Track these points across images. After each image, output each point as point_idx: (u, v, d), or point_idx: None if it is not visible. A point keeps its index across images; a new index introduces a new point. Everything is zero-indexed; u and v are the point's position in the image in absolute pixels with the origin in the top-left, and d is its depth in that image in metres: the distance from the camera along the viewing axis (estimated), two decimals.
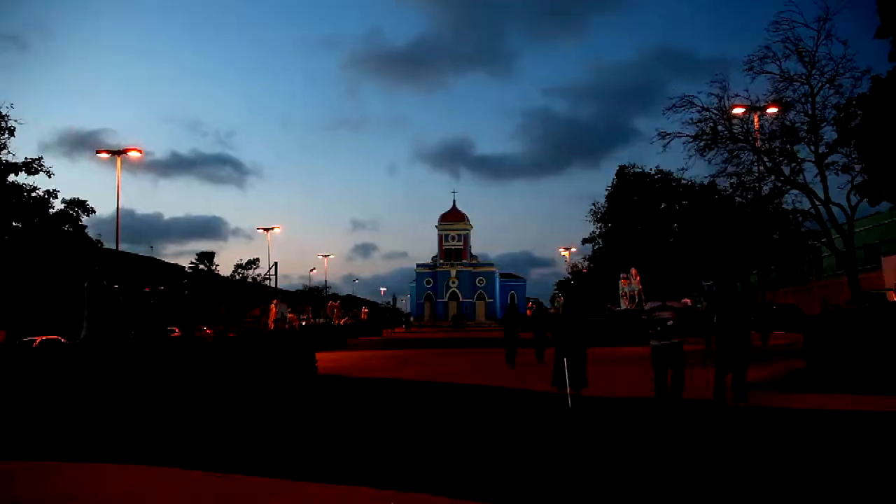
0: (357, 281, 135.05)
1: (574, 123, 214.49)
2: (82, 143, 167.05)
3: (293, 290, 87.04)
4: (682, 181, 41.00)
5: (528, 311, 52.06)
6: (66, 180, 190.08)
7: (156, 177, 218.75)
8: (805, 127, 24.44)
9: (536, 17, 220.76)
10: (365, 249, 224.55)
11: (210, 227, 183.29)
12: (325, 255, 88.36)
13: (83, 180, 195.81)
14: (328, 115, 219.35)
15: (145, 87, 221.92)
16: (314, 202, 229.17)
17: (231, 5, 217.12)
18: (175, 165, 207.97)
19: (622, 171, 49.86)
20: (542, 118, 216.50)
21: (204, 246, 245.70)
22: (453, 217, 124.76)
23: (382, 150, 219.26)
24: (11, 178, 29.00)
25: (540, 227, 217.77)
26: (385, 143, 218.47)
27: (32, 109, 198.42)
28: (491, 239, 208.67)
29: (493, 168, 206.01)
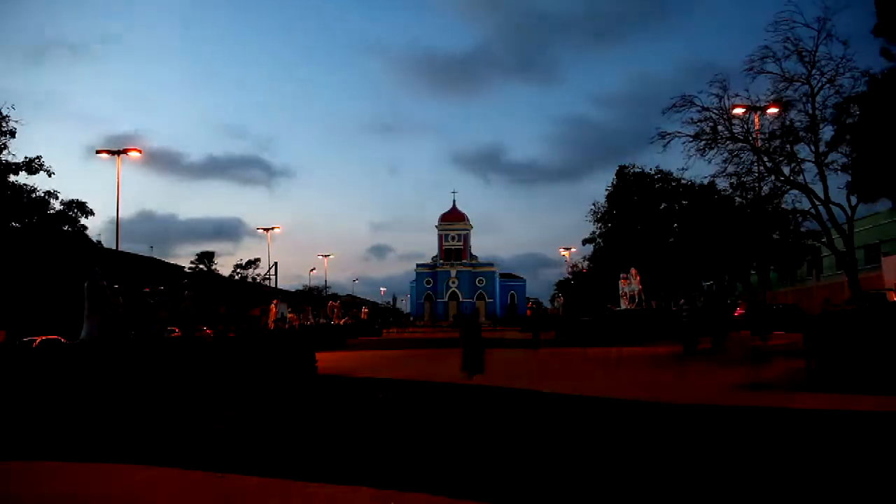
0: (357, 280, 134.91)
1: (608, 131, 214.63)
2: (127, 146, 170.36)
3: (305, 290, 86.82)
4: (682, 181, 41.02)
5: (528, 311, 52.01)
6: (111, 182, 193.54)
7: (190, 179, 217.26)
8: (805, 126, 24.42)
9: (582, 29, 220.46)
10: (380, 251, 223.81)
11: (230, 229, 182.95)
12: (325, 255, 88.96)
13: (125, 182, 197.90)
14: (367, 120, 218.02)
15: (189, 91, 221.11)
16: (340, 204, 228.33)
17: (279, 11, 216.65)
18: (209, 168, 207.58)
19: (622, 172, 49.73)
20: (577, 126, 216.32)
21: (221, 247, 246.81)
22: (453, 217, 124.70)
23: (415, 155, 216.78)
24: (12, 178, 29.02)
25: (560, 228, 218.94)
26: (420, 148, 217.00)
27: (84, 112, 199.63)
28: (511, 241, 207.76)
29: (523, 172, 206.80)
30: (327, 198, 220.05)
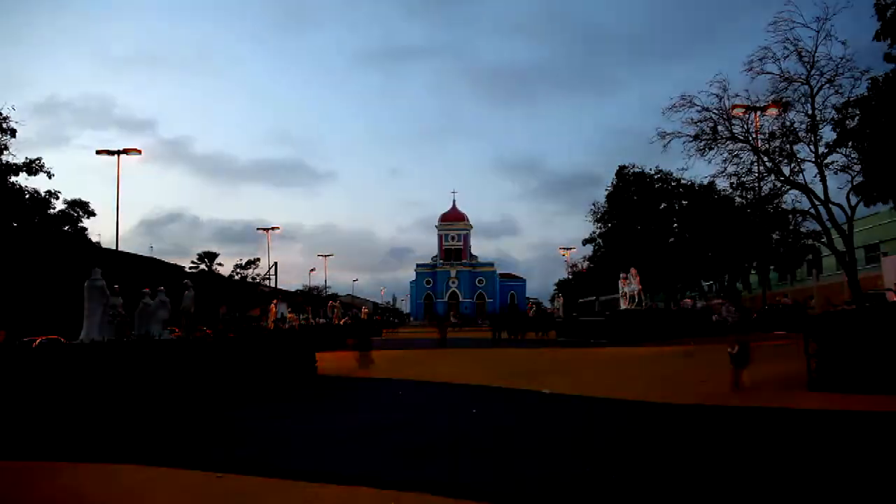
0: (357, 280, 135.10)
1: (641, 136, 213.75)
2: (177, 150, 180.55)
3: (305, 290, 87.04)
4: (682, 181, 41.03)
5: (528, 311, 51.98)
6: (158, 185, 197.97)
7: (238, 182, 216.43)
8: (805, 127, 24.43)
9: (637, 44, 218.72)
10: (400, 253, 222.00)
11: (252, 231, 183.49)
12: (325, 256, 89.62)
13: (177, 186, 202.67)
14: (415, 127, 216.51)
15: (239, 98, 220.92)
16: (373, 207, 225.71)
17: (332, 16, 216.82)
18: (253, 172, 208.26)
19: (622, 172, 49.71)
20: (622, 135, 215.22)
21: (243, 250, 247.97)
22: (453, 217, 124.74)
23: (455, 163, 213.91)
24: (13, 179, 29.10)
25: (576, 229, 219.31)
26: (460, 155, 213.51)
27: (134, 117, 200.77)
28: (535, 243, 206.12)
29: (560, 177, 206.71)
30: (362, 201, 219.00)
